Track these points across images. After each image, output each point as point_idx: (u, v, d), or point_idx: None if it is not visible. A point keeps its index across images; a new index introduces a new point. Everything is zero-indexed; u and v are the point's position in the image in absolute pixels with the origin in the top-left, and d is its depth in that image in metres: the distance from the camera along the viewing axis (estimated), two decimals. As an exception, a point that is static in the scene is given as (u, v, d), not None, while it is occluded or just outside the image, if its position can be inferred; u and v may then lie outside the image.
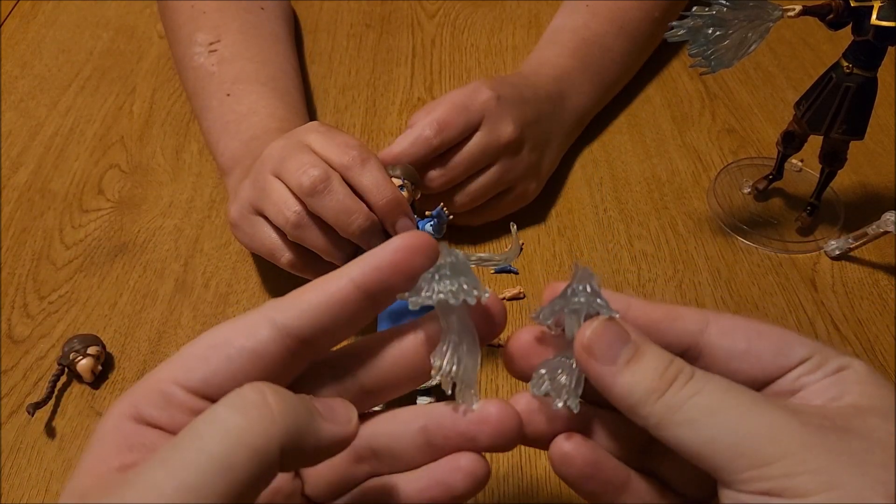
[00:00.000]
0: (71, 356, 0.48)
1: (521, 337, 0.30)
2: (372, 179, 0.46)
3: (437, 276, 0.27)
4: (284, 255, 0.48)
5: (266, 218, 0.48)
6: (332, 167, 0.46)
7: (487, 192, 0.56)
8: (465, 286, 0.27)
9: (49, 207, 0.61)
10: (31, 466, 0.45)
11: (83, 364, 0.48)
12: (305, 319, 0.26)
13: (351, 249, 0.47)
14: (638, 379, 0.26)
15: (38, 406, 0.46)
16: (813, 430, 0.24)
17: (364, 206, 0.45)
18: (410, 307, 0.27)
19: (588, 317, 0.28)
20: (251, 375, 0.25)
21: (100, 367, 0.49)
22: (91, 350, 0.49)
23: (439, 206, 0.50)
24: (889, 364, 0.50)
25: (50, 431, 0.47)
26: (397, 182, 0.46)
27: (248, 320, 0.26)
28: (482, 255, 0.45)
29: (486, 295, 0.28)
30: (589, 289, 0.28)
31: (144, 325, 0.53)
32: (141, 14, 0.83)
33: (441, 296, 0.27)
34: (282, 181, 0.46)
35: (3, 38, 0.80)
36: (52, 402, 0.48)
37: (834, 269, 0.56)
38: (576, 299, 0.28)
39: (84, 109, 0.71)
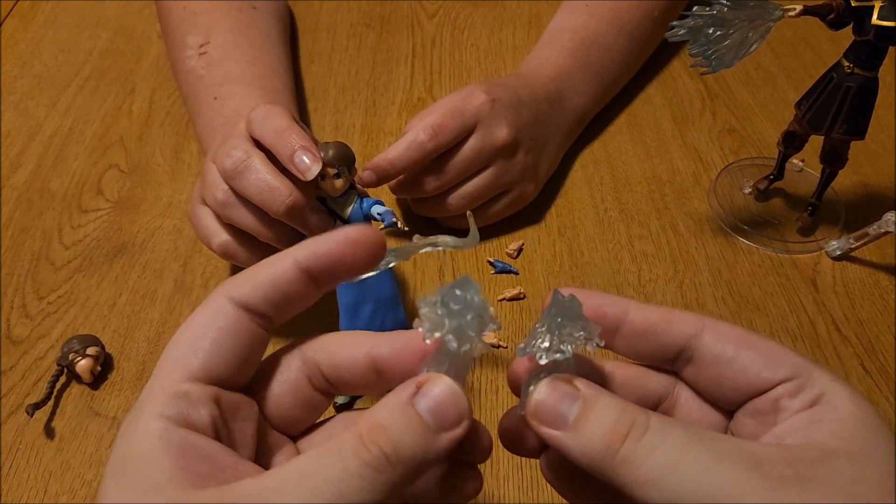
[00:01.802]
0: (70, 357, 0.48)
1: (516, 367, 0.31)
2: (273, 128, 0.44)
3: (445, 309, 0.27)
4: (216, 238, 0.48)
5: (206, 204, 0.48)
6: (264, 147, 0.45)
7: (483, 195, 0.56)
8: (470, 332, 0.27)
9: (48, 207, 0.61)
10: (30, 467, 0.45)
11: (82, 364, 0.48)
12: (257, 295, 0.28)
13: (285, 229, 0.46)
14: (589, 438, 0.26)
15: (37, 406, 0.46)
16: (774, 485, 0.24)
17: (289, 184, 0.44)
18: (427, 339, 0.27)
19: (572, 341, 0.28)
20: (236, 348, 0.28)
21: (99, 368, 0.49)
22: (90, 350, 0.48)
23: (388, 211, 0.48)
24: (889, 364, 0.49)
25: (49, 432, 0.47)
26: (332, 171, 0.44)
27: (212, 304, 0.28)
28: (436, 238, 0.45)
29: (494, 327, 0.27)
30: (579, 319, 0.28)
31: (143, 325, 0.53)
32: (140, 14, 0.83)
33: (450, 336, 0.27)
34: (215, 165, 0.46)
35: (3, 38, 0.80)
36: (51, 402, 0.47)
37: (835, 270, 0.56)
38: (569, 331, 0.28)
39: (83, 109, 0.71)
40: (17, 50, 0.78)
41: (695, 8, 0.47)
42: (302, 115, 0.69)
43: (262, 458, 0.29)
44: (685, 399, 0.31)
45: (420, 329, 0.27)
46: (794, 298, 0.54)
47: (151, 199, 0.62)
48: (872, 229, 0.53)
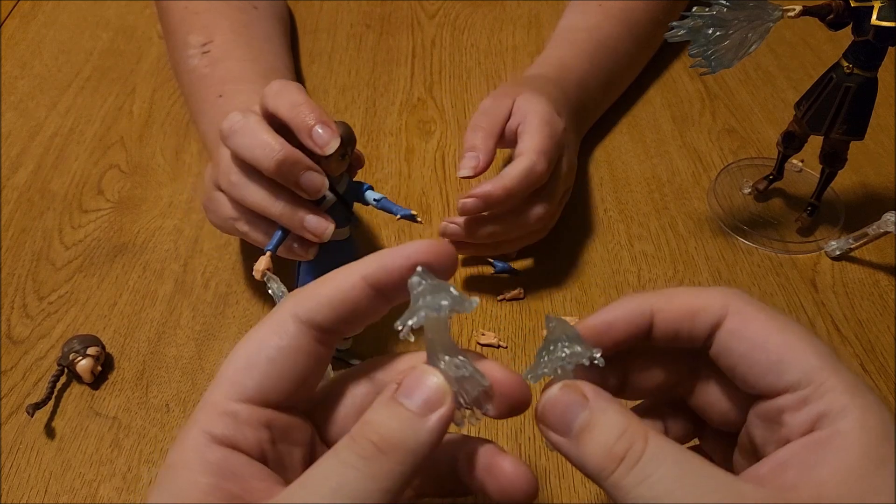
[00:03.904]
0: (70, 357, 0.48)
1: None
2: (290, 100, 0.43)
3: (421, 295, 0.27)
4: (239, 223, 0.47)
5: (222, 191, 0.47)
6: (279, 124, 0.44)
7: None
8: (445, 302, 0.27)
9: (49, 208, 0.61)
10: (31, 467, 0.45)
11: (83, 364, 0.48)
12: (323, 312, 0.28)
13: (291, 204, 0.45)
14: (588, 454, 0.26)
15: (37, 406, 0.46)
16: None
17: (282, 140, 0.43)
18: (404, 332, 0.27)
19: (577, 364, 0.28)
20: (295, 369, 0.28)
21: (99, 368, 0.49)
22: (90, 351, 0.48)
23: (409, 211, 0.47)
24: (889, 364, 0.49)
25: (49, 432, 0.47)
26: (339, 151, 0.44)
27: (275, 319, 0.28)
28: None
29: (475, 303, 0.28)
30: (567, 340, 0.28)
31: (144, 325, 0.53)
32: (141, 14, 0.83)
33: (425, 312, 0.27)
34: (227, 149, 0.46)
35: (3, 38, 0.80)
36: (51, 402, 0.47)
37: (834, 270, 0.56)
38: (558, 354, 0.28)
39: (84, 110, 0.71)
40: (17, 50, 0.78)
41: (694, 8, 0.47)
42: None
43: None
44: (711, 373, 0.31)
45: (401, 330, 0.27)
46: (794, 298, 0.54)
47: (152, 200, 0.62)
48: (872, 229, 0.53)
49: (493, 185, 0.49)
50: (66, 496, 0.44)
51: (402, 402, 0.26)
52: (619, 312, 0.30)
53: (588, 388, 0.27)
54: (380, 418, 0.26)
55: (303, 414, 0.30)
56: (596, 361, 0.28)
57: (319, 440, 0.30)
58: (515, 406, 0.29)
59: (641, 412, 0.34)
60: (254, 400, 0.27)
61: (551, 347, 0.29)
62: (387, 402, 0.26)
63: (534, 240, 0.55)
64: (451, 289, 0.27)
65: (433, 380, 0.27)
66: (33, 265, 0.57)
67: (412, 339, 0.27)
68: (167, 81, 0.74)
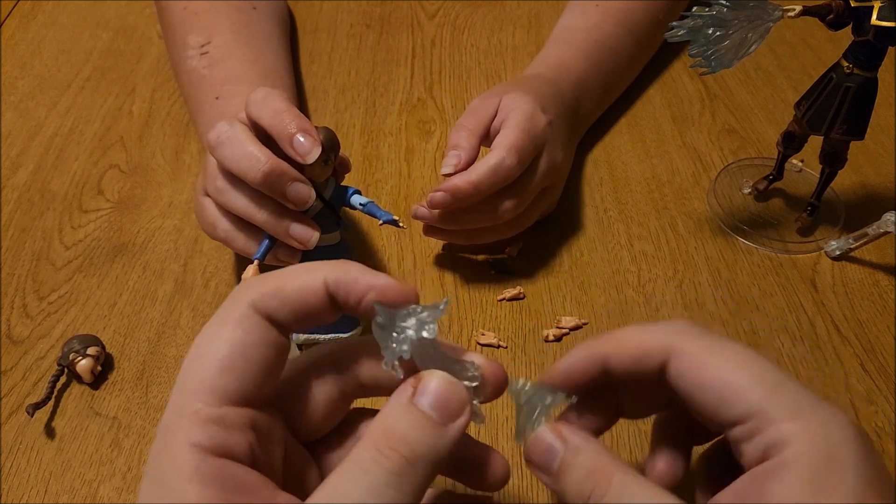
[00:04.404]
0: (70, 357, 0.48)
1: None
2: (274, 108, 0.44)
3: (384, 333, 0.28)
4: (219, 227, 0.47)
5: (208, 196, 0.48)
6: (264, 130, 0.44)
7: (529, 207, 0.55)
8: (424, 323, 0.28)
9: (48, 208, 0.61)
10: (31, 467, 0.45)
11: (83, 364, 0.48)
12: (285, 310, 0.28)
13: (276, 212, 0.45)
14: (566, 491, 0.29)
15: (37, 406, 0.46)
16: None
17: (268, 152, 0.43)
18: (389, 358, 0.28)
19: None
20: (266, 364, 0.27)
21: (99, 368, 0.49)
22: (90, 350, 0.48)
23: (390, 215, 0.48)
24: (889, 364, 0.49)
25: (49, 432, 0.47)
26: (322, 157, 0.44)
27: (237, 315, 0.27)
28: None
29: (443, 305, 0.28)
30: (537, 394, 0.31)
31: (144, 325, 0.53)
32: (141, 14, 0.83)
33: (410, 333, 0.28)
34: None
35: (3, 38, 0.80)
36: (51, 402, 0.48)
37: (834, 270, 0.56)
38: (536, 407, 0.31)
39: (84, 110, 0.71)
40: (17, 50, 0.78)
41: (694, 8, 0.47)
42: (302, 116, 0.69)
43: (291, 482, 0.29)
44: None
45: (392, 366, 0.28)
46: (794, 298, 0.54)
47: (152, 200, 0.62)
48: (872, 229, 0.53)
49: (461, 179, 0.49)
50: (66, 496, 0.44)
51: (427, 412, 0.26)
52: (572, 362, 0.32)
53: (566, 430, 0.30)
54: (406, 429, 0.26)
55: (272, 408, 0.29)
56: (569, 401, 0.31)
57: (290, 434, 0.30)
58: (497, 391, 0.30)
59: (659, 425, 0.35)
60: (235, 401, 0.26)
61: (526, 407, 0.31)
62: (410, 411, 0.26)
63: (510, 234, 0.55)
64: (418, 309, 0.28)
65: (456, 389, 0.27)
66: (33, 265, 0.57)
67: (401, 374, 0.27)
68: (167, 81, 0.74)
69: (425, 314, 0.28)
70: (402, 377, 0.28)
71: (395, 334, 0.27)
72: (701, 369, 0.29)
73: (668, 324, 0.31)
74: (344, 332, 0.47)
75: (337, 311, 0.29)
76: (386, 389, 0.30)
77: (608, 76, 0.65)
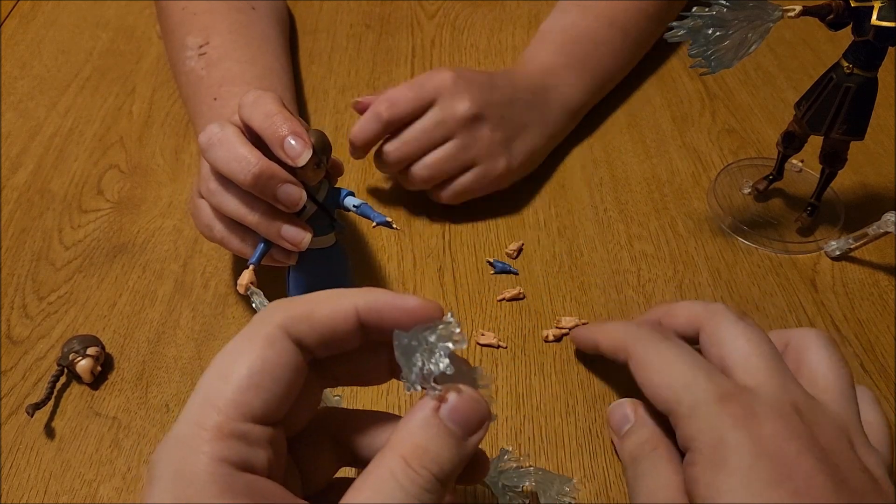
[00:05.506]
0: (70, 357, 0.48)
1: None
2: (264, 111, 0.44)
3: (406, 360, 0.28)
4: (214, 229, 0.47)
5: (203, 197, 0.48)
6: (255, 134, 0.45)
7: (445, 167, 0.57)
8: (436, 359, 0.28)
9: (48, 208, 0.61)
10: (31, 467, 0.45)
11: (82, 365, 0.48)
12: (314, 337, 0.28)
13: (268, 214, 0.45)
14: (623, 450, 0.41)
15: (37, 407, 0.46)
16: None
17: (258, 154, 0.43)
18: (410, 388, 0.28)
19: None
20: (291, 387, 0.28)
21: (99, 368, 0.49)
22: (90, 351, 0.48)
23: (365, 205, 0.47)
24: (889, 364, 0.49)
25: (49, 432, 0.47)
26: (314, 159, 0.44)
27: (266, 335, 0.27)
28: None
29: (457, 332, 0.28)
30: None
31: (144, 325, 0.53)
32: (141, 14, 0.83)
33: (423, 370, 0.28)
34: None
35: (3, 38, 0.80)
36: (51, 402, 0.47)
37: (834, 270, 0.56)
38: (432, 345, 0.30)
39: (83, 110, 0.71)
40: (17, 50, 0.78)
41: (694, 8, 0.47)
42: (302, 116, 0.69)
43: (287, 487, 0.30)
44: None
45: (411, 388, 0.28)
46: (794, 298, 0.54)
47: (151, 200, 0.62)
48: (872, 229, 0.53)
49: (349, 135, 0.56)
50: (65, 496, 0.44)
51: (451, 427, 0.27)
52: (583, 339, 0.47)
53: (638, 406, 0.42)
54: (434, 445, 0.26)
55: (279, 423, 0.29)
56: (460, 347, 0.28)
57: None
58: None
59: None
60: (258, 419, 0.27)
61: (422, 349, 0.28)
62: (439, 427, 0.27)
63: (437, 193, 0.58)
64: (430, 325, 0.28)
65: (479, 405, 0.28)
66: (33, 265, 0.57)
67: (438, 390, 0.27)
68: (167, 82, 0.74)
69: (441, 327, 0.27)
70: (440, 392, 0.28)
71: (424, 353, 0.27)
72: (643, 366, 0.38)
73: (625, 328, 0.42)
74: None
75: (362, 338, 0.29)
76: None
77: (592, 66, 0.65)
